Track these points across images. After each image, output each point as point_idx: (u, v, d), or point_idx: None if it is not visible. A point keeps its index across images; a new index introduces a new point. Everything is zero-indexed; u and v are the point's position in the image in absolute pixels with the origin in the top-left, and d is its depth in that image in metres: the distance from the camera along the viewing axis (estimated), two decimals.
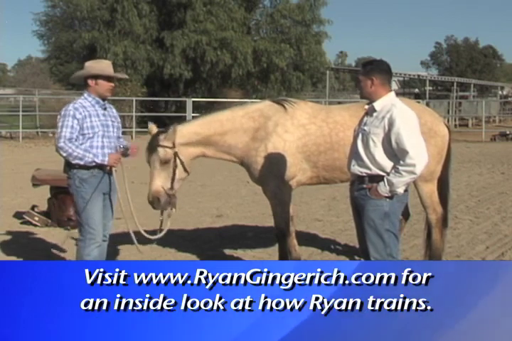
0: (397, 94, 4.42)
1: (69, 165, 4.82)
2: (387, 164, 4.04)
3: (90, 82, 4.82)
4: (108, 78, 4.85)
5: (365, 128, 4.13)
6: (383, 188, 4.02)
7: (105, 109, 4.92)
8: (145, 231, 4.96)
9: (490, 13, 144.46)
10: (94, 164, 4.72)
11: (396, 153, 4.00)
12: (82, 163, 4.70)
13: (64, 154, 4.70)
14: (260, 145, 5.44)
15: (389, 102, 4.10)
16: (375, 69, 4.13)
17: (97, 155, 4.72)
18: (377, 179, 4.06)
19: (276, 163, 5.43)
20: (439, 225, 5.69)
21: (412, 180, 4.12)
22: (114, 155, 4.80)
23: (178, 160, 5.18)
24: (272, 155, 5.42)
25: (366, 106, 4.22)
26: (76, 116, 4.74)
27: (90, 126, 4.77)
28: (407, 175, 3.97)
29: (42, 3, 30.40)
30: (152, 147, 5.17)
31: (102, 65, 4.92)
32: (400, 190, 4.05)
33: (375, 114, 4.12)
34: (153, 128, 5.32)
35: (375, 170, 4.07)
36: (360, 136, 4.17)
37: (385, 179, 4.02)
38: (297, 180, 5.59)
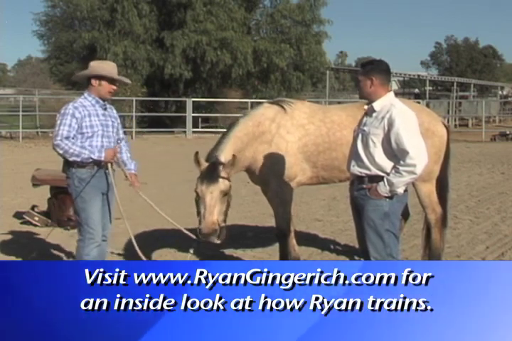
0: (397, 94, 4.42)
1: (68, 165, 4.82)
2: (387, 164, 4.04)
3: (94, 82, 4.82)
4: (111, 80, 4.85)
5: (365, 128, 4.13)
6: (383, 188, 4.02)
7: (105, 109, 4.92)
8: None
9: (490, 13, 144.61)
10: (90, 160, 4.70)
11: (396, 154, 4.01)
12: (78, 159, 4.69)
13: (60, 151, 4.70)
14: (266, 148, 5.47)
15: (388, 102, 4.11)
16: (375, 69, 4.13)
17: (93, 151, 4.70)
18: (376, 179, 4.07)
19: (278, 163, 5.45)
20: (439, 225, 5.70)
21: (412, 180, 4.12)
22: (111, 150, 4.78)
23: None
24: (275, 155, 5.45)
25: (365, 107, 4.22)
26: (75, 115, 4.74)
27: (89, 125, 4.77)
28: (408, 175, 3.97)
29: (42, 3, 30.37)
30: (213, 177, 4.96)
31: (108, 67, 4.91)
32: (400, 190, 4.05)
33: (374, 115, 4.12)
34: (202, 160, 5.09)
35: (375, 171, 4.07)
36: (359, 136, 4.17)
37: (385, 179, 4.02)
38: (298, 180, 5.62)
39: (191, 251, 5.11)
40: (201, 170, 5.03)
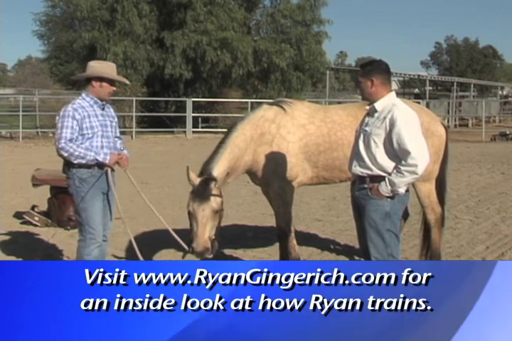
0: (397, 94, 4.42)
1: (68, 165, 4.83)
2: (389, 164, 4.04)
3: (95, 83, 4.82)
4: (112, 82, 4.87)
5: (367, 128, 4.13)
6: (384, 188, 4.02)
7: (103, 109, 4.93)
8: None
9: (490, 13, 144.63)
10: (95, 162, 4.73)
11: (397, 154, 4.00)
12: (84, 161, 4.71)
13: (65, 154, 4.71)
14: (267, 149, 5.46)
15: (390, 102, 4.10)
16: (375, 69, 4.13)
17: (98, 153, 4.74)
18: (378, 179, 4.07)
19: (279, 163, 5.45)
20: (438, 225, 5.71)
21: (414, 180, 4.12)
22: (116, 156, 4.82)
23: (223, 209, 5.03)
24: (276, 156, 5.45)
25: (367, 107, 4.22)
26: (75, 117, 4.74)
27: (89, 126, 4.78)
28: (409, 175, 3.97)
29: (42, 3, 30.26)
30: (204, 196, 4.89)
31: (109, 68, 4.91)
32: (402, 190, 4.05)
33: (376, 115, 4.12)
34: (193, 175, 4.99)
35: (376, 171, 4.07)
36: (361, 136, 4.17)
37: (387, 179, 4.02)
38: (299, 180, 5.62)
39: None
40: (193, 186, 4.96)
